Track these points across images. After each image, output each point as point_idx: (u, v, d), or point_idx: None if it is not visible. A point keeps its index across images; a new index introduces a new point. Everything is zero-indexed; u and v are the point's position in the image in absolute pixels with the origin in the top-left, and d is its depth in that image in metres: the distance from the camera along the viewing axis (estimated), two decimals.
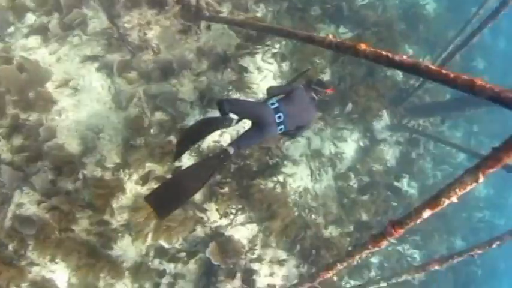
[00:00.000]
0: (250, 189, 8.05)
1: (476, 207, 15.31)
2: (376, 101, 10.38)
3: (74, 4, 7.23)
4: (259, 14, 8.97)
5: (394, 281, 6.37)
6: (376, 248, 4.17)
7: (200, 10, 7.78)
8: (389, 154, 10.96)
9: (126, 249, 7.11)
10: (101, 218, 6.92)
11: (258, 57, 8.79)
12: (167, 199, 5.25)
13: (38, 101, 6.79)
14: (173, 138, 7.51)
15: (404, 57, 3.53)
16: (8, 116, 6.68)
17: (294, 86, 6.39)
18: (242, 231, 8.00)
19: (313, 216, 8.95)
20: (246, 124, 6.81)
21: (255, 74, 8.67)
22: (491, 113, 14.34)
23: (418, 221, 3.49)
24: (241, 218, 8.05)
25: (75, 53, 7.22)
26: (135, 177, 7.25)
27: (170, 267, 7.41)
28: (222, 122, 5.97)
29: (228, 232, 7.87)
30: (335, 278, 9.07)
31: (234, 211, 7.97)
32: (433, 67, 3.31)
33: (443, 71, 3.22)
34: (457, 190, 3.07)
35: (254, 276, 7.86)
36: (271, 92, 6.44)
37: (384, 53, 3.71)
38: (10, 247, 6.39)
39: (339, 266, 4.94)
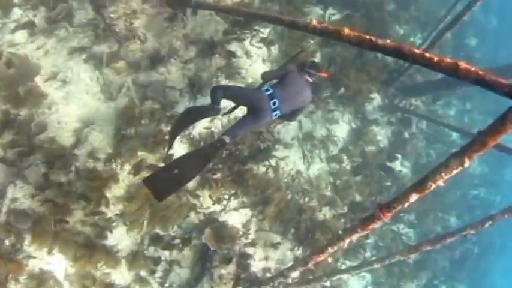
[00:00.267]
0: (242, 175, 8.08)
1: (471, 185, 15.40)
2: (367, 83, 10.38)
3: None
4: None
5: (387, 262, 6.42)
6: (366, 232, 4.23)
7: None
8: (382, 134, 10.98)
9: (121, 238, 7.13)
10: (95, 208, 6.92)
11: (247, 42, 8.75)
12: (165, 183, 5.35)
13: (28, 96, 6.76)
14: (164, 127, 7.51)
15: (388, 41, 3.54)
16: None
17: (288, 70, 6.41)
18: (236, 216, 8.04)
19: (306, 199, 8.99)
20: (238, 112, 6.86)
21: (243, 59, 8.64)
22: (483, 91, 14.31)
23: (406, 205, 3.54)
24: (234, 203, 8.08)
25: (62, 45, 7.17)
26: (127, 167, 7.25)
27: (165, 254, 7.44)
28: (209, 111, 5.97)
29: (222, 218, 7.91)
30: (330, 260, 9.16)
31: (227, 196, 8.00)
32: (416, 50, 3.31)
33: (427, 55, 3.22)
34: (443, 174, 3.10)
35: (249, 261, 7.92)
36: (266, 77, 6.48)
37: (367, 37, 3.71)
38: (7, 242, 6.40)
39: (330, 250, 5.00)
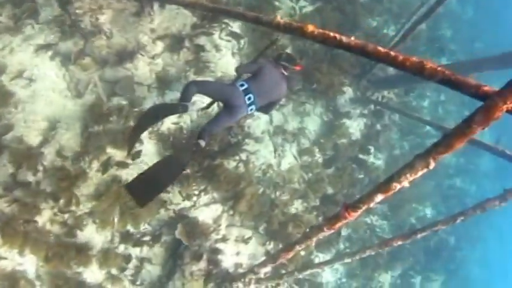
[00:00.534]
0: (212, 170, 8.04)
1: (446, 175, 15.50)
2: (339, 76, 10.37)
3: None
4: None
5: (358, 257, 6.44)
6: (332, 231, 4.25)
7: None
8: (354, 127, 10.98)
9: (92, 236, 7.07)
10: (64, 207, 6.85)
11: (216, 35, 8.69)
12: (145, 189, 5.44)
13: None
14: (132, 123, 7.42)
15: (352, 38, 3.51)
16: None
17: (262, 64, 6.37)
18: (206, 212, 8.00)
19: (278, 193, 8.99)
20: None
21: (212, 53, 8.57)
22: None
23: (371, 205, 3.54)
24: (204, 199, 8.04)
25: (28, 43, 7.05)
26: (95, 164, 7.17)
27: (136, 251, 7.40)
28: (177, 108, 5.94)
29: (192, 214, 7.86)
30: (303, 253, 9.18)
31: (197, 192, 7.95)
32: (381, 49, 3.29)
33: (392, 53, 3.20)
34: (408, 175, 3.10)
35: (220, 256, 7.88)
36: (240, 71, 6.42)
37: (331, 34, 3.68)
38: None
39: (298, 248, 5.03)
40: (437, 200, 14.32)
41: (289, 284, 9.08)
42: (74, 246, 6.83)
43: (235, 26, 8.99)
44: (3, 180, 6.53)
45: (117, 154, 7.34)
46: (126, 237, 7.32)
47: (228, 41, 8.85)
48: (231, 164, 8.38)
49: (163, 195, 7.62)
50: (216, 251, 7.88)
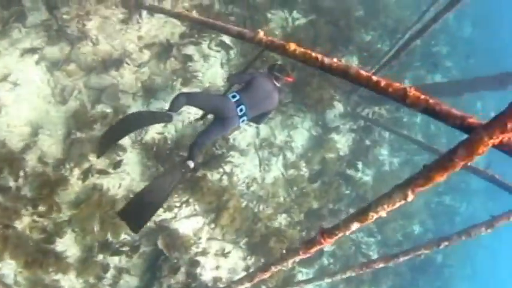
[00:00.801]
0: (195, 182, 7.95)
1: (435, 193, 15.41)
2: (330, 89, 10.29)
3: None
4: (206, 1, 8.76)
5: (338, 277, 6.36)
6: (308, 255, 4.18)
7: None
8: (342, 142, 10.92)
9: (70, 244, 6.97)
10: (43, 214, 6.75)
11: (204, 45, 8.61)
12: (137, 213, 5.45)
13: None
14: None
15: (335, 59, 3.43)
16: None
17: (254, 74, 6.33)
18: (187, 224, 7.91)
19: (261, 206, 8.91)
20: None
21: (200, 63, 8.50)
22: (453, 99, 14.34)
23: (347, 233, 3.46)
24: (185, 211, 7.94)
25: (15, 46, 6.96)
26: (77, 172, 7.08)
27: (114, 261, 7.31)
28: (162, 118, 5.88)
29: (173, 225, 7.77)
30: (284, 268, 9.07)
31: (178, 204, 7.86)
32: (363, 73, 3.21)
33: (374, 78, 3.11)
34: (385, 206, 3.00)
35: (199, 270, 7.80)
36: (232, 81, 6.43)
37: (313, 54, 3.61)
38: None
39: (274, 269, 4.94)
40: (425, 217, 14.26)
41: None
42: (53, 253, 6.74)
43: (225, 36, 8.91)
44: None
45: (99, 162, 7.24)
46: (105, 247, 7.21)
47: (217, 51, 8.78)
48: (214, 176, 8.30)
49: None
50: (195, 264, 7.79)
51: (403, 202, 2.91)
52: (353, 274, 6.26)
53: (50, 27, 7.18)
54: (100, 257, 7.20)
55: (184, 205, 7.88)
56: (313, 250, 4.03)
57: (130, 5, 7.60)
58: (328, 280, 6.48)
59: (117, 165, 7.33)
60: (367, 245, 11.52)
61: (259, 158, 9.21)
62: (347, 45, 11.37)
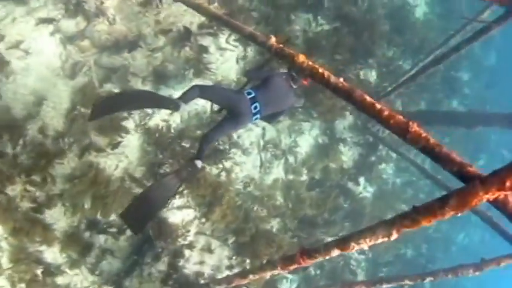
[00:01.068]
0: None
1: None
2: (342, 100, 10.14)
3: None
4: None
5: None
6: (286, 271, 4.15)
7: None
8: (348, 155, 10.82)
9: (59, 218, 6.94)
10: (36, 184, 6.75)
11: (222, 38, 8.54)
12: (139, 215, 5.38)
13: None
14: (121, 112, 7.38)
15: (341, 79, 3.35)
16: None
17: (272, 72, 6.28)
18: (178, 215, 7.84)
19: (255, 207, 8.83)
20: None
21: (215, 55, 8.44)
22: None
23: (327, 257, 3.41)
24: (178, 201, 7.88)
25: (31, 15, 6.95)
26: (75, 147, 7.07)
27: (100, 241, 7.27)
28: (169, 104, 5.72)
29: (163, 214, 7.71)
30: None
31: None
32: (367, 98, 3.11)
33: (378, 106, 3.00)
34: (367, 239, 2.93)
35: (182, 262, 7.74)
36: (250, 75, 6.37)
37: (320, 70, 3.53)
38: None
39: (252, 277, 4.92)
40: (420, 240, 14.10)
41: None
42: (41, 224, 6.74)
43: None
44: None
45: (99, 141, 7.22)
46: (93, 225, 7.19)
47: (235, 46, 8.69)
48: (213, 170, 8.23)
49: (138, 190, 7.48)
50: (179, 256, 7.73)
51: (385, 240, 2.84)
52: None
53: (69, 0, 7.15)
54: (86, 234, 7.16)
55: (178, 195, 7.81)
56: (292, 268, 4.00)
57: None
58: None
59: (116, 145, 7.29)
60: (357, 261, 11.40)
61: (260, 159, 9.13)
62: (367, 58, 11.23)
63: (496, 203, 2.35)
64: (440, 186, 8.70)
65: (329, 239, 9.91)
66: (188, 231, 7.90)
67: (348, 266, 10.95)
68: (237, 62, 8.79)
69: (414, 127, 2.74)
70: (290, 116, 9.58)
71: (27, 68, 6.84)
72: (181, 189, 7.72)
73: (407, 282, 5.67)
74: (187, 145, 7.88)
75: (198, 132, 7.99)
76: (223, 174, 8.37)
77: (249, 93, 5.91)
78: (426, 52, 11.47)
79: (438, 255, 14.50)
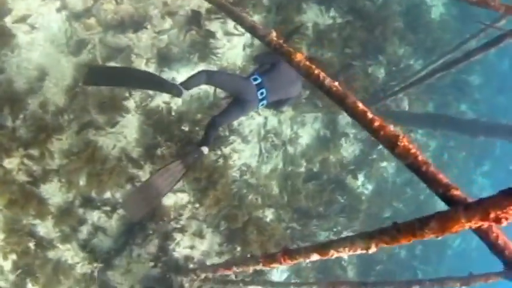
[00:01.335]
0: None
1: None
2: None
3: None
4: None
5: None
6: (267, 268, 4.18)
7: None
8: (349, 150, 10.77)
9: (54, 193, 7.00)
10: (34, 158, 6.81)
11: (230, 24, 8.46)
12: (140, 203, 5.53)
13: None
14: (123, 92, 7.41)
15: (336, 83, 3.30)
16: None
17: (280, 59, 6.23)
18: (172, 198, 7.85)
19: (251, 196, 8.83)
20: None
21: (222, 41, 8.39)
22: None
23: (307, 260, 3.42)
24: None
25: None
26: (74, 124, 7.10)
27: (93, 218, 7.31)
28: (170, 89, 5.70)
29: None
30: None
31: None
32: (360, 105, 3.03)
33: (369, 115, 2.93)
34: (346, 249, 2.89)
35: (173, 246, 7.77)
36: (259, 60, 6.41)
37: (315, 71, 3.47)
38: None
39: (236, 269, 4.95)
40: (415, 242, 13.95)
41: None
42: (37, 197, 6.80)
43: (256, 19, 8.76)
44: None
45: (99, 119, 7.24)
46: (87, 202, 7.23)
47: (243, 32, 8.61)
48: (211, 156, 8.21)
49: (134, 170, 7.51)
50: (170, 239, 7.75)
51: (364, 252, 2.81)
52: None
53: None
54: (80, 211, 7.21)
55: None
56: (273, 266, 4.03)
57: None
58: None
59: (114, 124, 7.29)
60: (350, 259, 11.34)
61: (260, 148, 9.10)
62: (377, 54, 11.11)
63: (478, 230, 2.30)
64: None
65: (322, 233, 10.05)
66: (181, 215, 7.91)
67: (339, 263, 10.93)
68: (244, 48, 8.73)
69: (404, 141, 2.64)
70: (294, 107, 9.52)
71: (33, 43, 6.85)
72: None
73: None
74: (187, 128, 7.87)
75: (199, 115, 7.99)
76: (221, 160, 8.35)
77: (255, 79, 5.92)
78: (438, 53, 11.31)
79: (432, 258, 14.43)
